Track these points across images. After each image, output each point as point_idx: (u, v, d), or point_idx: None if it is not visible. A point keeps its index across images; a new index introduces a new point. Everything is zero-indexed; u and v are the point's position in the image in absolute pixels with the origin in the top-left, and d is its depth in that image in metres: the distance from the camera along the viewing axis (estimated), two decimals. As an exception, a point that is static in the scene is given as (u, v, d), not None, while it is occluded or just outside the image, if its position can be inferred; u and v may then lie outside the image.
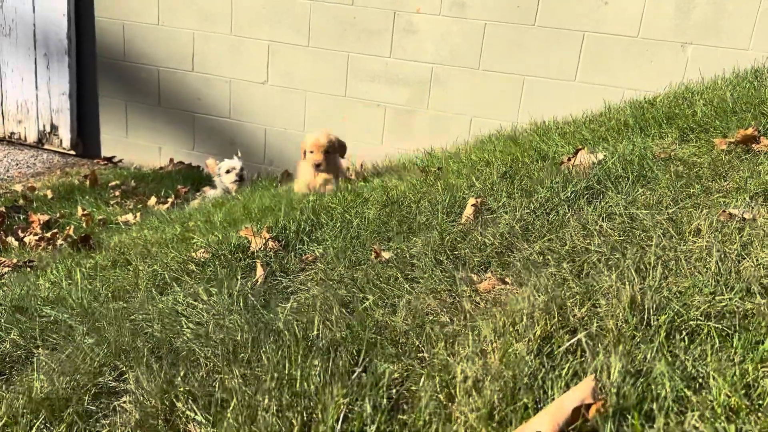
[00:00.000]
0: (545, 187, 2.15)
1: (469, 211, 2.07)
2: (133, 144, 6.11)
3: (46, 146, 6.14)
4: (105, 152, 6.21)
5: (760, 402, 0.90)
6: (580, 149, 2.59)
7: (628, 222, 1.73)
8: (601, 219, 1.76)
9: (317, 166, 3.16)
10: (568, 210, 1.98)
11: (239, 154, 4.56)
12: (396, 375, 1.10)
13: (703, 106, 3.02)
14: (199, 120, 5.83)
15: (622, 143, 2.76)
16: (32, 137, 6.15)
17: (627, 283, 1.24)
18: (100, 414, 1.14)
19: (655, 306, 1.16)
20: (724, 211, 1.68)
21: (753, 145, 2.21)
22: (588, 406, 0.82)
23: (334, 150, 3.22)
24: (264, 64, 5.50)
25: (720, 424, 0.86)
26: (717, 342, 1.07)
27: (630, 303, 1.16)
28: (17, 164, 5.78)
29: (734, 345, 1.05)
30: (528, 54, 4.83)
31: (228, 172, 4.05)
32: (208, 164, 4.18)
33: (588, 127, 3.13)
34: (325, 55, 5.31)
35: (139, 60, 5.82)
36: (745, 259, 1.34)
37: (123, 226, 3.35)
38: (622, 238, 1.65)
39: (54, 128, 6.09)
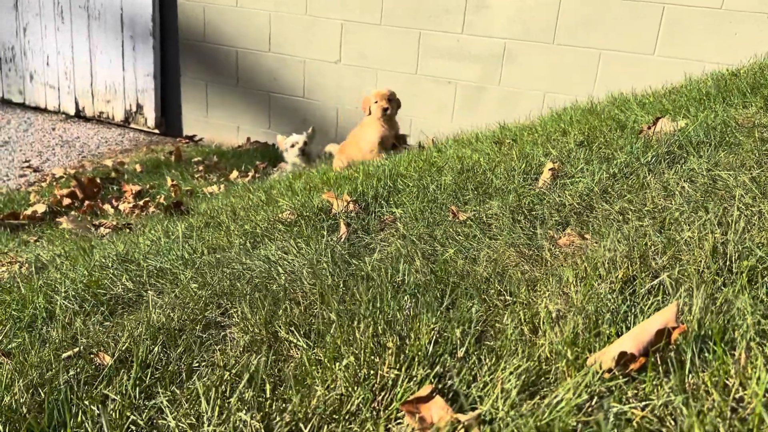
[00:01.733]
0: (625, 152, 2.15)
1: (546, 175, 2.10)
2: (213, 123, 6.38)
3: (131, 125, 6.49)
4: (186, 131, 6.51)
5: None
6: (660, 118, 2.56)
7: (710, 183, 1.73)
8: (682, 180, 1.77)
9: (385, 111, 3.56)
10: (648, 174, 1.98)
11: (309, 131, 4.65)
12: (480, 313, 1.17)
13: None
14: (275, 99, 6.02)
15: (704, 112, 2.70)
16: (119, 116, 6.52)
17: (710, 233, 1.26)
18: (211, 341, 1.27)
19: (737, 254, 1.18)
20: None
21: None
22: (671, 330, 0.86)
23: (396, 100, 3.56)
24: (337, 44, 5.62)
25: (803, 356, 0.88)
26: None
27: (712, 250, 1.19)
28: (106, 141, 6.15)
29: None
30: (604, 27, 4.73)
31: (292, 146, 4.20)
32: (278, 141, 4.35)
33: (668, 98, 3.08)
34: (397, 33, 5.37)
35: (219, 41, 6.06)
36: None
37: (209, 196, 3.54)
38: (703, 198, 1.65)
39: (139, 108, 6.43)
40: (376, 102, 3.58)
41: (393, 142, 3.76)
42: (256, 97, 6.10)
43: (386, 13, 5.36)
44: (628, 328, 1.00)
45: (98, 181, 3.90)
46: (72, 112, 6.66)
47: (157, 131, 6.44)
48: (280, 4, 5.70)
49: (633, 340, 0.86)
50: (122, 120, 6.53)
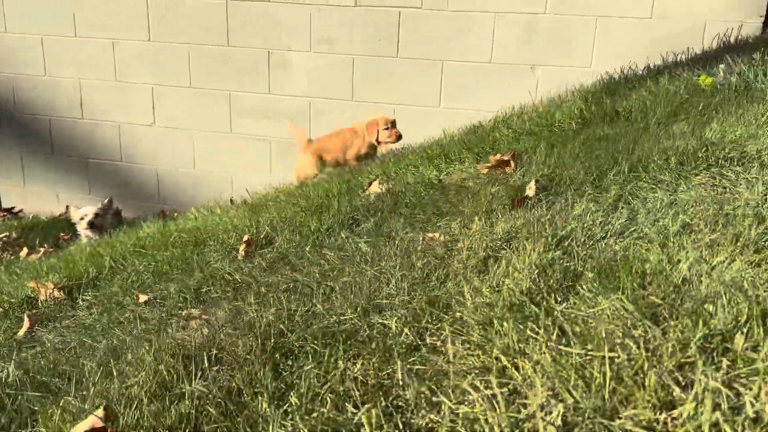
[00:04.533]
0: (317, 220, 2.35)
1: (242, 248, 2.25)
2: (32, 193, 6.18)
3: (-57, 201, 6.15)
4: (5, 203, 6.26)
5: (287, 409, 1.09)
6: (374, 180, 2.81)
7: (354, 250, 1.93)
8: (331, 250, 1.96)
9: (399, 138, 3.85)
10: (327, 239, 2.18)
11: (105, 202, 4.55)
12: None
13: (508, 128, 3.28)
14: (93, 165, 5.94)
15: (427, 169, 2.98)
16: (-72, 193, 6.16)
17: (269, 310, 1.43)
18: None
19: (273, 331, 1.35)
20: (425, 236, 1.89)
21: (506, 168, 2.45)
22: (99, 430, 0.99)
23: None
24: (149, 107, 5.65)
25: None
26: (311, 358, 1.27)
27: (253, 328, 1.36)
28: None
29: (323, 359, 1.25)
30: (395, 84, 5.08)
31: (81, 219, 4.16)
32: (70, 212, 4.29)
33: (412, 156, 3.35)
34: (207, 95, 5.49)
35: (31, 111, 5.92)
36: (394, 282, 1.55)
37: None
38: (342, 266, 1.85)
39: (-50, 183, 6.11)
40: (387, 128, 3.85)
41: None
42: (74, 164, 5.99)
43: (194, 77, 5.47)
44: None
45: None
46: None
47: (-29, 206, 6.14)
48: (89, 71, 5.67)
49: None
50: (-68, 196, 6.18)
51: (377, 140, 3.94)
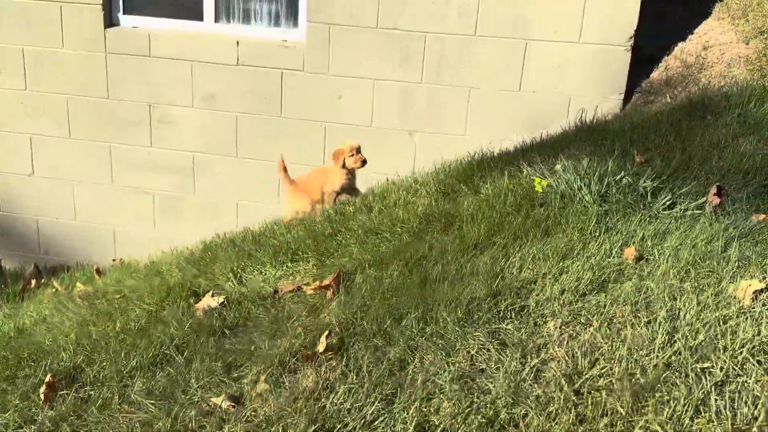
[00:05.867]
0: (125, 356, 2.35)
1: (42, 389, 2.21)
2: None
3: None
4: None
5: None
6: (207, 292, 2.82)
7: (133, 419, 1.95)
8: (114, 416, 1.97)
9: (364, 163, 3.94)
10: (131, 385, 2.18)
11: None
12: None
13: (357, 224, 3.33)
14: (-31, 214, 5.70)
15: (273, 268, 3.00)
16: None
17: None
18: None
19: None
20: (209, 401, 1.92)
21: (327, 293, 2.50)
22: None
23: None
24: (28, 157, 5.47)
25: None
26: None
27: None
28: None
29: None
30: (280, 142, 5.08)
31: None
32: None
33: (261, 253, 3.32)
34: (88, 146, 5.36)
35: None
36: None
37: None
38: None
39: None
40: (352, 155, 3.98)
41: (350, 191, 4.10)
42: (-52, 213, 5.73)
43: (74, 128, 5.33)
44: None
45: None
46: None
47: None
48: (-38, 118, 5.44)
49: None
50: None
51: (344, 167, 4.07)
